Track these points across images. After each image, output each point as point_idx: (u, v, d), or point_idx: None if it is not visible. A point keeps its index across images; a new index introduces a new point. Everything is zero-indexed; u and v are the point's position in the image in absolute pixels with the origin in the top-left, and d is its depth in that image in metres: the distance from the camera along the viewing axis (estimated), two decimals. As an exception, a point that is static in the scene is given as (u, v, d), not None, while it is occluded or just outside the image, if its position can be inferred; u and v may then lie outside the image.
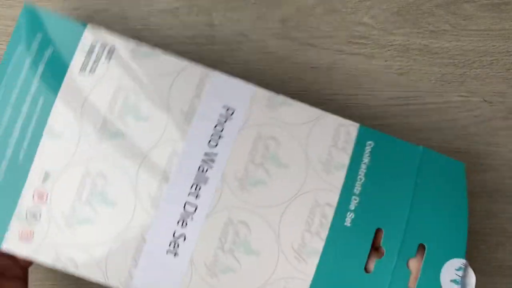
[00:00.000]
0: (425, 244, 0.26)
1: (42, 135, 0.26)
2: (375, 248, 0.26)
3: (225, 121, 0.26)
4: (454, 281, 0.26)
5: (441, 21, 0.32)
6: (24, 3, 0.28)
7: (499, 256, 0.32)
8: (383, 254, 0.26)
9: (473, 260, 0.33)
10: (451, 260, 0.26)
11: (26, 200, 0.26)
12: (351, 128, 0.27)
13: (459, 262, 0.26)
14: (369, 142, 0.27)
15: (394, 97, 0.32)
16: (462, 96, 0.32)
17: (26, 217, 0.26)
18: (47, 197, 0.26)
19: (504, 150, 0.33)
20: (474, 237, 0.33)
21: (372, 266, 0.26)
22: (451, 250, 0.26)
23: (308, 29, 0.32)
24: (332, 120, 0.27)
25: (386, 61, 0.32)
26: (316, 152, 0.27)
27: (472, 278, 0.26)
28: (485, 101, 0.33)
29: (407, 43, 0.32)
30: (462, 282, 0.26)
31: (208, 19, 0.32)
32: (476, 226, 0.33)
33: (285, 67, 0.32)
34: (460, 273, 0.26)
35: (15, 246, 0.26)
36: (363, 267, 0.25)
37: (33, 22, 0.26)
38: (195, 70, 0.27)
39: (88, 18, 0.31)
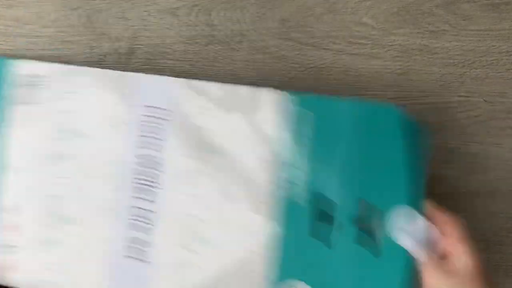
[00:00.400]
0: (367, 199, 0.26)
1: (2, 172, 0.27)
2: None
3: (161, 123, 0.27)
4: (401, 228, 0.26)
5: (441, 21, 0.32)
6: None
7: (499, 256, 0.32)
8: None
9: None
10: (396, 209, 0.26)
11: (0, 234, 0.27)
12: (287, 100, 0.27)
13: (405, 209, 0.26)
14: (308, 112, 0.27)
15: (394, 97, 0.32)
16: (462, 96, 0.32)
17: (4, 250, 0.27)
18: (20, 228, 0.27)
19: (504, 150, 0.33)
20: (474, 236, 0.33)
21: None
22: (395, 198, 0.26)
23: (308, 29, 0.32)
24: (267, 96, 0.27)
25: (386, 61, 0.32)
26: (242, 130, 0.27)
27: (420, 222, 0.26)
28: (485, 101, 0.33)
29: (407, 43, 0.32)
30: (410, 228, 0.26)
31: (208, 19, 0.32)
32: (476, 226, 0.33)
33: (285, 67, 0.32)
34: (407, 219, 0.26)
35: (2, 278, 0.27)
36: (310, 233, 0.26)
37: None
38: (115, 77, 0.28)
39: (88, 18, 0.31)
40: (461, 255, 0.25)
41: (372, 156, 0.26)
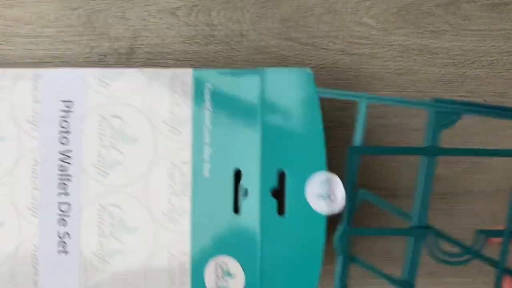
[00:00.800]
0: (284, 169, 0.26)
1: None
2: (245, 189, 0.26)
3: (68, 116, 0.27)
4: (320, 195, 0.26)
5: (441, 21, 0.32)
6: None
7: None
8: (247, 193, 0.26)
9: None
10: (312, 176, 0.26)
11: None
12: (186, 78, 0.27)
13: (321, 175, 0.26)
14: (207, 84, 0.27)
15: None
16: (462, 96, 0.32)
17: None
18: None
19: (504, 150, 0.33)
20: (474, 236, 0.33)
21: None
22: (311, 165, 0.26)
23: (308, 29, 0.32)
24: (165, 76, 0.27)
25: (386, 61, 0.32)
26: (158, 115, 0.27)
27: (338, 188, 0.26)
28: (485, 101, 0.33)
29: (407, 43, 0.32)
30: (329, 194, 0.26)
31: (208, 19, 0.32)
32: (476, 226, 0.33)
33: (285, 67, 0.32)
34: (325, 186, 0.26)
35: None
36: (233, 211, 0.26)
37: None
38: (26, 74, 0.27)
39: (88, 18, 0.31)
40: None
41: (287, 122, 0.26)
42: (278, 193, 0.26)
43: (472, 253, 0.26)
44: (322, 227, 0.26)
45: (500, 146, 0.33)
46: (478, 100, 0.32)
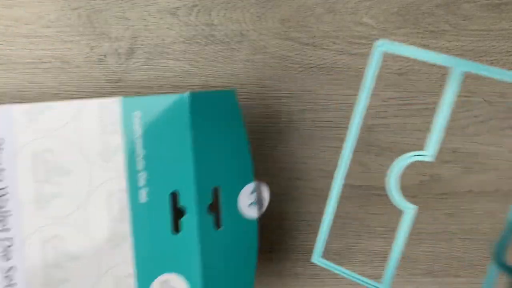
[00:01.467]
0: (218, 185, 0.27)
1: None
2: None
3: (0, 153, 0.27)
4: (251, 204, 0.27)
5: (441, 21, 0.32)
6: None
7: (499, 256, 0.32)
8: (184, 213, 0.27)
9: (473, 259, 0.33)
10: (243, 189, 0.27)
11: None
12: (113, 106, 0.27)
13: (251, 186, 0.27)
14: (136, 112, 0.27)
15: (394, 97, 0.32)
16: (462, 96, 0.32)
17: None
18: None
19: (504, 150, 0.33)
20: (473, 237, 0.33)
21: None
22: (241, 179, 0.27)
23: (308, 29, 0.32)
24: (93, 106, 0.27)
25: (385, 61, 0.32)
26: (90, 147, 0.27)
27: (265, 192, 0.28)
28: (485, 101, 0.33)
29: (407, 43, 0.32)
30: (258, 200, 0.27)
31: (208, 19, 0.32)
32: (476, 226, 0.33)
33: (285, 67, 0.32)
34: (254, 194, 0.27)
35: None
36: (171, 232, 0.27)
37: None
38: None
39: (88, 18, 0.31)
40: None
41: (216, 140, 0.27)
42: (213, 208, 0.27)
43: None
44: (254, 232, 0.28)
45: (500, 146, 0.33)
46: (478, 100, 0.32)
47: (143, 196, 0.27)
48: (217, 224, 0.27)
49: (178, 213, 0.27)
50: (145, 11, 0.32)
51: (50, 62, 0.31)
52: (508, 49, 0.33)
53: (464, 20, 0.32)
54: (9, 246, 0.27)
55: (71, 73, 0.32)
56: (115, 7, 0.31)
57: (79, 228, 0.27)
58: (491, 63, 0.33)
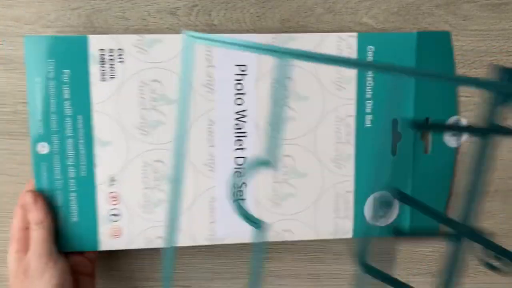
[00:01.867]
0: (429, 116, 0.31)
1: (93, 148, 0.30)
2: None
3: (243, 79, 0.30)
4: (453, 135, 0.32)
5: (441, 21, 0.32)
6: (25, 36, 0.29)
7: (499, 256, 0.32)
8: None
9: (473, 259, 0.33)
10: (448, 120, 0.32)
11: (103, 206, 0.30)
12: (351, 40, 0.30)
13: (454, 119, 0.32)
14: (370, 47, 0.31)
15: (394, 97, 0.32)
16: (462, 96, 0.32)
17: (110, 219, 0.30)
18: (119, 197, 0.30)
19: (504, 150, 0.33)
20: (474, 237, 0.33)
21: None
22: (446, 112, 0.32)
23: (308, 29, 0.32)
24: (332, 40, 0.30)
25: (386, 61, 0.32)
26: (326, 75, 0.30)
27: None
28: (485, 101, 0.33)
29: (407, 43, 0.32)
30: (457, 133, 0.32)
31: (208, 19, 0.32)
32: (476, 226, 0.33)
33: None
34: (456, 123, 0.32)
35: (110, 245, 0.30)
36: (390, 153, 0.31)
37: (39, 50, 0.29)
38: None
39: (88, 18, 0.31)
40: None
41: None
42: (423, 136, 0.31)
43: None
44: (451, 158, 0.32)
45: (500, 146, 0.33)
46: (478, 100, 0.32)
47: (368, 121, 0.31)
48: (425, 150, 0.31)
49: (395, 138, 0.31)
50: (145, 11, 0.32)
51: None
52: (508, 49, 0.33)
53: (464, 20, 0.32)
54: (242, 164, 0.31)
55: (71, 73, 0.32)
56: (115, 7, 0.31)
57: (307, 150, 0.31)
58: (491, 63, 0.33)
